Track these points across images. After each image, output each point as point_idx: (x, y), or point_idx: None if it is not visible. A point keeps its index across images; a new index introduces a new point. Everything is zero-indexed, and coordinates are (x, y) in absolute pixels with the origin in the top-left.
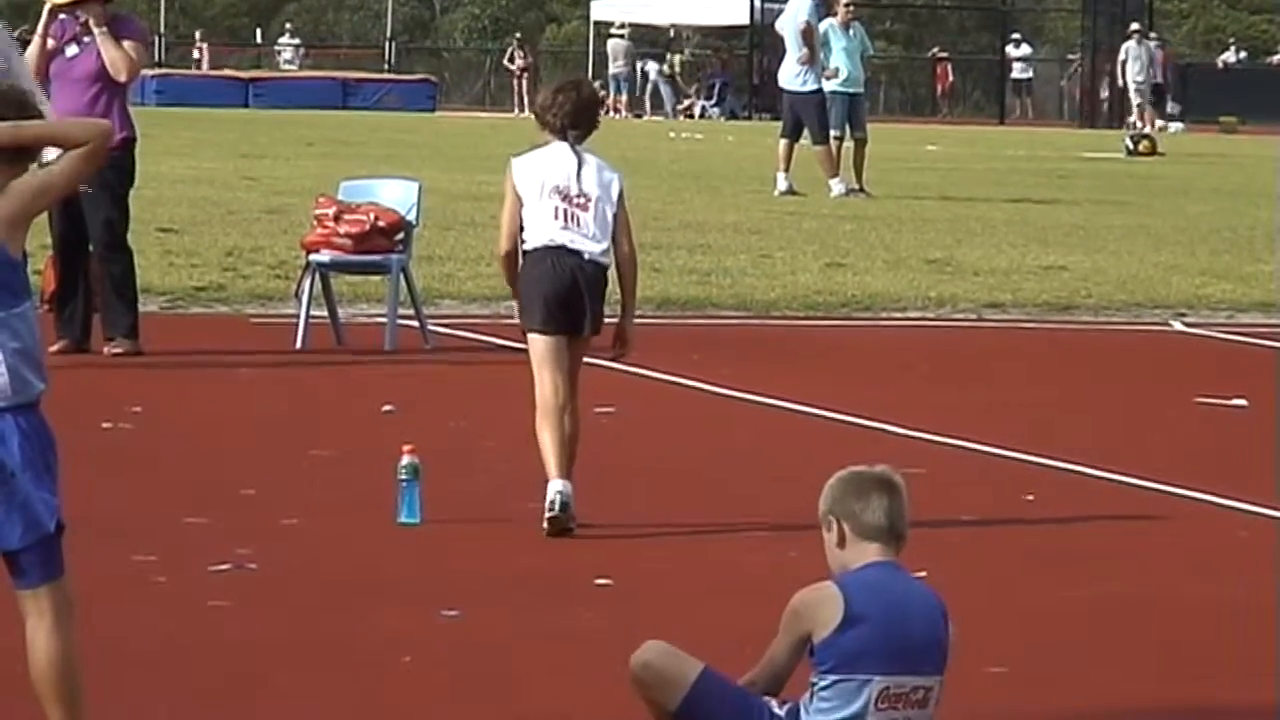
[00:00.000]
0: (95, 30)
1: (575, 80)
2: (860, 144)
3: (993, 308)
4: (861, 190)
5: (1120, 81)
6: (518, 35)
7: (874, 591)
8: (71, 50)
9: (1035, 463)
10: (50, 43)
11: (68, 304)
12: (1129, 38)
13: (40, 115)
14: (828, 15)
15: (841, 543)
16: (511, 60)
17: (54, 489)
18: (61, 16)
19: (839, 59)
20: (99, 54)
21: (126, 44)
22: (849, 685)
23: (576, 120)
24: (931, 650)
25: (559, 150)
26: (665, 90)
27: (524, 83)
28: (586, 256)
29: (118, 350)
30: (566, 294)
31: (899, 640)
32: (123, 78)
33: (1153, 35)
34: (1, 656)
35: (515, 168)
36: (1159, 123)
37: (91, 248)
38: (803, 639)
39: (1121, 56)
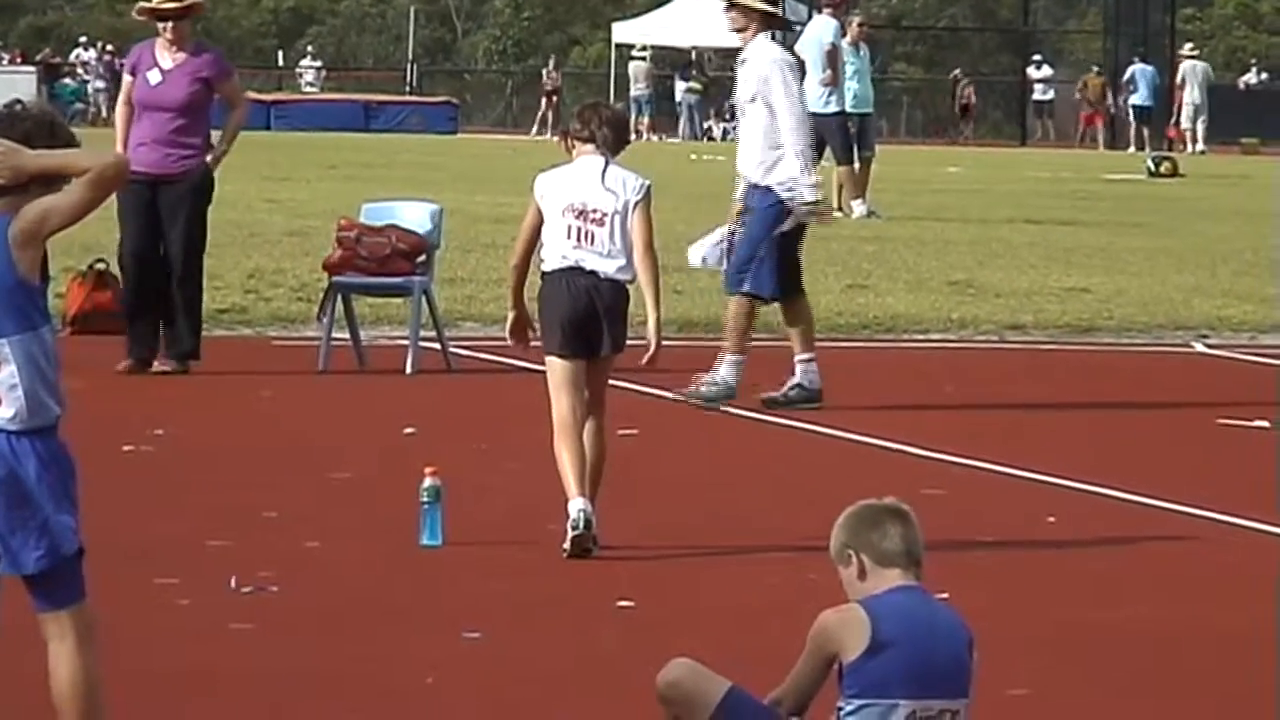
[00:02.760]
0: (216, 154)
1: (603, 101)
2: (866, 162)
3: (1014, 329)
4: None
5: (1139, 101)
6: (551, 58)
7: (900, 614)
8: (154, 77)
9: (1057, 484)
10: (128, 79)
11: (138, 323)
12: (1178, 59)
13: (73, 145)
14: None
15: (862, 574)
16: (544, 80)
17: (74, 513)
18: (141, 44)
19: (851, 79)
20: (187, 81)
21: (230, 85)
22: (876, 709)
23: (604, 127)
24: (958, 672)
25: (586, 163)
26: (695, 110)
27: (552, 103)
28: (602, 276)
29: (166, 368)
30: (582, 317)
31: (926, 663)
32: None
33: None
34: (24, 681)
35: (539, 182)
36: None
37: (171, 268)
38: (829, 660)
39: (1180, 78)
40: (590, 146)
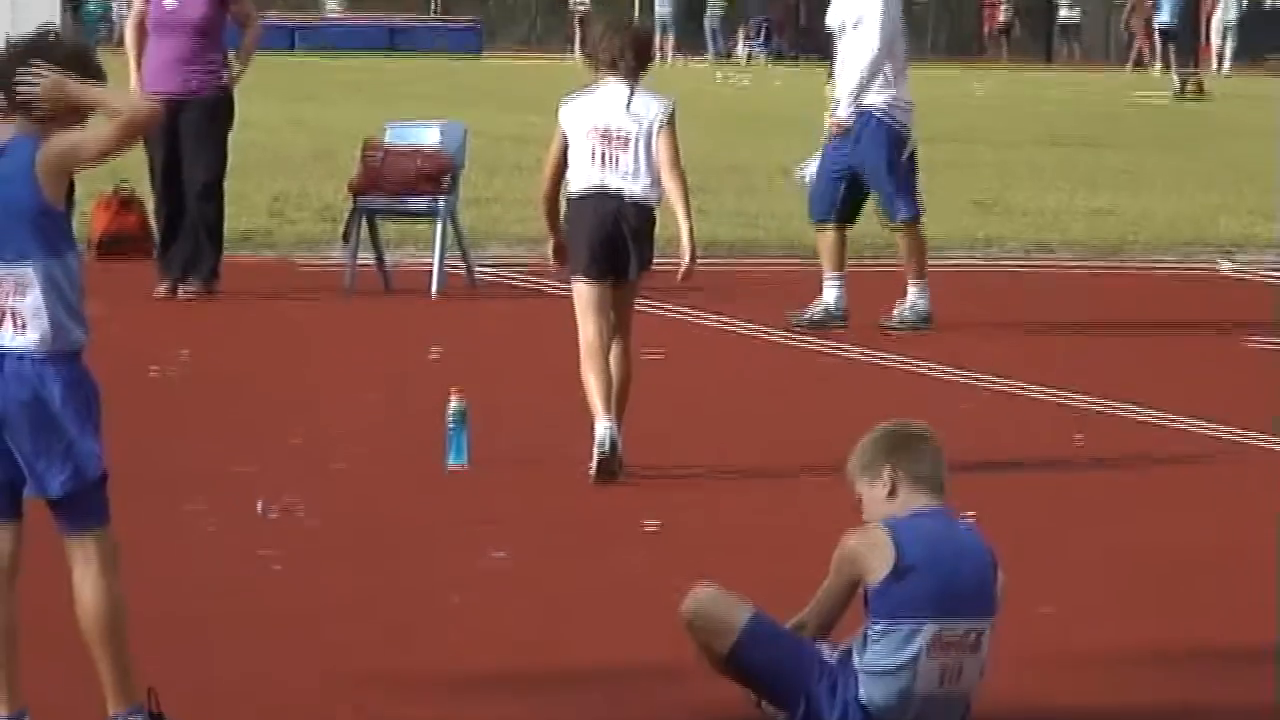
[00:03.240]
0: (233, 75)
1: (627, 19)
2: None
3: (1040, 249)
4: None
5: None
6: None
7: (925, 537)
8: (170, 1)
9: (1084, 404)
10: (139, 1)
11: (170, 247)
12: None
13: (102, 77)
14: None
15: (893, 493)
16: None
17: (97, 437)
18: None
19: None
20: (203, 1)
21: (242, 3)
22: (902, 631)
23: (625, 52)
24: (983, 594)
25: (610, 89)
26: (719, 31)
27: (583, 26)
28: (628, 198)
29: (191, 290)
30: (609, 240)
31: (950, 585)
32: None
33: None
34: (49, 608)
35: (563, 109)
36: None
37: (187, 189)
38: (853, 583)
39: None
40: (614, 72)
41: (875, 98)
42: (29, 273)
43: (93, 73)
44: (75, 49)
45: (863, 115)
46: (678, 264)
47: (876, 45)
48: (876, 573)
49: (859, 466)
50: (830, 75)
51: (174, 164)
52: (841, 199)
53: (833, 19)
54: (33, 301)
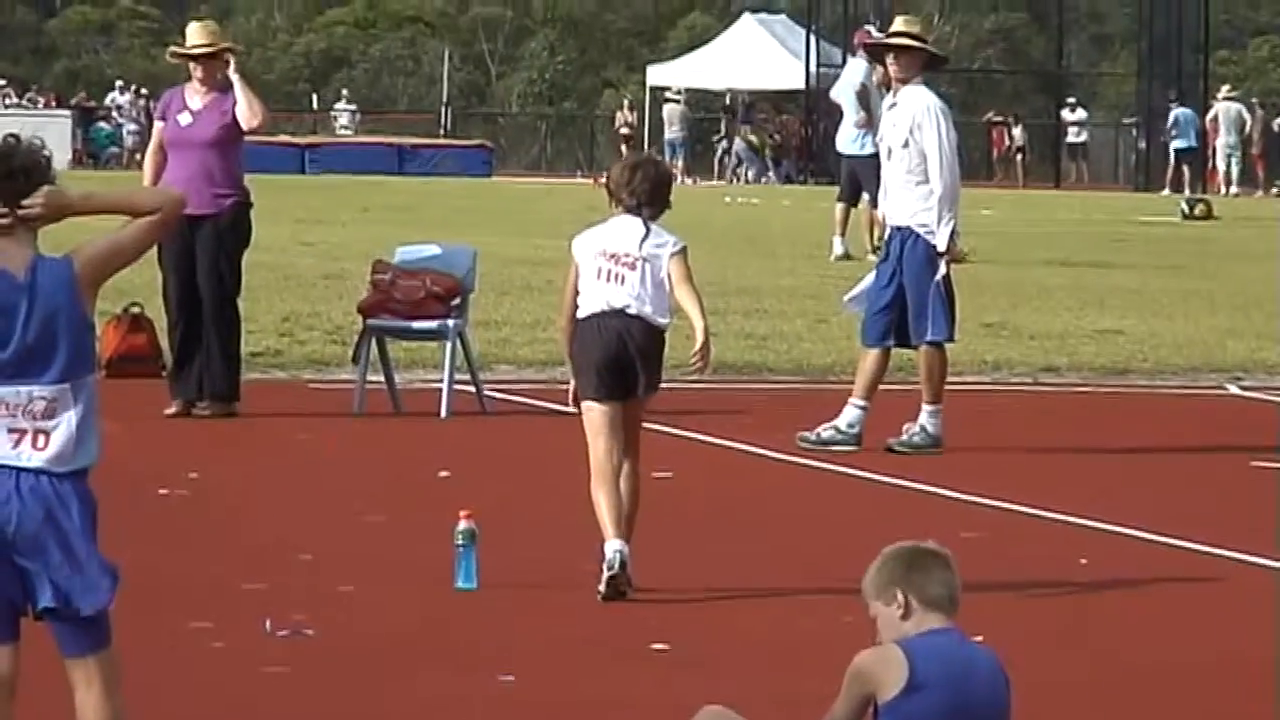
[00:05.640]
0: (233, 76)
1: (650, 158)
2: None
3: (1048, 371)
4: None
5: (1183, 144)
6: (626, 98)
7: (939, 656)
8: (185, 119)
9: (1090, 526)
10: (159, 124)
11: (184, 366)
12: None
13: (50, 181)
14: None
15: (906, 615)
16: (617, 122)
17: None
18: (170, 89)
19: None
20: (217, 118)
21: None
22: None
23: (653, 198)
24: (996, 716)
25: (624, 219)
26: (747, 156)
27: (630, 145)
28: (633, 314)
29: (206, 411)
30: (616, 360)
31: (963, 705)
32: (255, 123)
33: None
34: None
35: (576, 242)
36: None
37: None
38: (865, 701)
39: (1210, 116)
40: (633, 213)
41: (916, 218)
42: (67, 393)
43: (40, 181)
44: (33, 152)
45: (904, 234)
46: (686, 384)
47: (939, 158)
48: (889, 689)
49: (873, 588)
50: (841, 197)
51: (189, 282)
52: (896, 325)
53: (883, 139)
54: (63, 421)
